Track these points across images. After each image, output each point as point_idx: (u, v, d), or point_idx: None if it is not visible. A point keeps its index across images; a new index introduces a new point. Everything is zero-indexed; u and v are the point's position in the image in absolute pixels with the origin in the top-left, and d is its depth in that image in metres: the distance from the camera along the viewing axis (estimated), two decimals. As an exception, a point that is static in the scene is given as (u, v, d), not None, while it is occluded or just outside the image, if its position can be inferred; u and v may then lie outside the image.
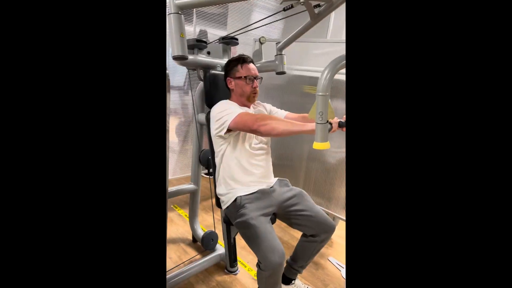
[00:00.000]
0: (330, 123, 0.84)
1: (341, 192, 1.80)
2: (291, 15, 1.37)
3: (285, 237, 1.87)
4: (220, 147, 1.15)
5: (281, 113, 1.33)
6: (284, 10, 1.09)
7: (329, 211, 1.85)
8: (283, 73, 1.44)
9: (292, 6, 1.03)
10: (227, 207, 1.15)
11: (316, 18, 1.04)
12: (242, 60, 1.17)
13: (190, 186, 1.60)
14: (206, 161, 1.43)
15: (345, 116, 1.15)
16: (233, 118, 1.04)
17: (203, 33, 2.62)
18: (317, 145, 0.73)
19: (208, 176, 2.49)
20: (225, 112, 1.07)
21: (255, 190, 1.13)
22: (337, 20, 2.78)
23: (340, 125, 1.03)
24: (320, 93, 0.69)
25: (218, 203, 1.25)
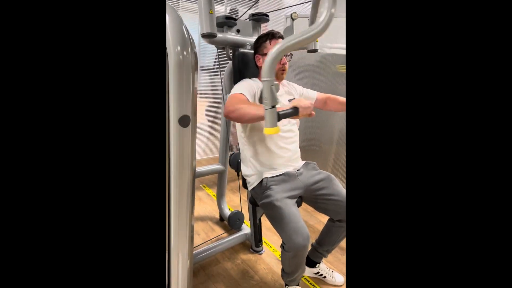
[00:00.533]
0: (296, 108, 0.84)
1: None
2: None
3: (311, 221, 1.85)
4: (245, 128, 1.14)
5: (311, 93, 1.28)
6: None
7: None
8: (315, 51, 1.36)
9: None
10: (253, 188, 1.15)
11: None
12: (271, 35, 1.12)
13: (218, 166, 1.63)
14: (236, 164, 1.46)
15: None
16: (228, 97, 1.03)
17: (233, 11, 2.56)
18: (266, 130, 0.74)
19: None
20: (232, 91, 1.06)
21: (282, 173, 1.11)
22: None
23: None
24: (264, 78, 0.69)
25: (245, 184, 1.25)
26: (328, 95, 1.29)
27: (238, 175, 1.46)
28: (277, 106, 0.74)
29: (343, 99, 1.27)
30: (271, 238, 1.64)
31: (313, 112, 0.87)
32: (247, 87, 1.07)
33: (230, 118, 0.98)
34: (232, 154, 1.51)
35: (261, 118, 0.87)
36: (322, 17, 0.61)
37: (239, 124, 1.14)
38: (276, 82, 0.71)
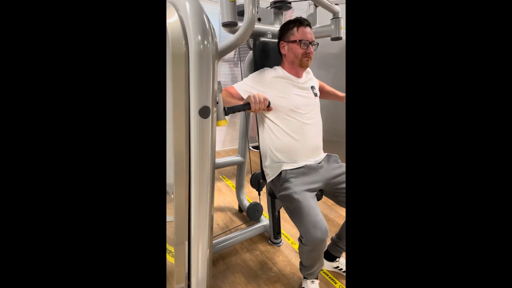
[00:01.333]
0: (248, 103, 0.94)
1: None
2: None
3: (331, 215, 1.82)
4: (264, 119, 1.12)
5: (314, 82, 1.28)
6: None
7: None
8: (339, 38, 1.31)
9: None
10: (272, 180, 1.14)
11: None
12: (299, 22, 1.08)
13: (237, 158, 1.63)
14: (258, 184, 1.47)
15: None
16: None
17: None
18: (218, 123, 0.82)
19: (256, 150, 2.52)
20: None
21: (302, 165, 1.09)
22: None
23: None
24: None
25: (263, 176, 1.25)
26: (323, 85, 1.33)
27: (259, 194, 1.51)
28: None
29: (339, 93, 1.33)
30: (290, 231, 1.63)
31: (271, 107, 0.95)
32: (249, 83, 1.10)
33: None
34: (253, 174, 1.51)
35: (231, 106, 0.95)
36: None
37: (260, 116, 1.12)
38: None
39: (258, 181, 1.47)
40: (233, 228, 1.63)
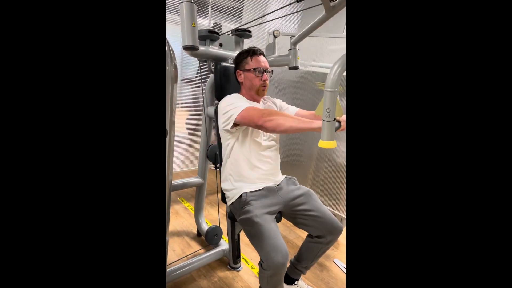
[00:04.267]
0: (338, 121, 0.78)
1: (350, 193, 1.74)
2: (307, 8, 1.32)
3: (290, 236, 1.84)
4: (228, 142, 1.12)
5: (292, 110, 1.29)
6: (297, 1, 1.04)
7: (337, 212, 1.81)
8: (296, 68, 1.40)
9: None
10: (232, 203, 1.13)
11: (331, 11, 0.99)
12: (252, 52, 1.14)
13: (196, 179, 1.59)
14: (214, 156, 1.41)
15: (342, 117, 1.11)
16: (239, 112, 1.01)
17: (217, 26, 2.59)
18: (322, 144, 0.69)
19: (216, 169, 2.49)
20: (232, 105, 1.04)
21: (262, 187, 1.10)
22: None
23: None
24: (329, 89, 0.65)
25: (224, 198, 1.23)
26: (312, 112, 1.29)
27: (216, 168, 1.41)
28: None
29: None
30: (250, 254, 1.60)
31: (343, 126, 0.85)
32: (246, 102, 1.09)
33: (265, 127, 0.95)
34: (210, 145, 1.46)
35: (298, 130, 0.90)
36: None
37: (226, 135, 1.12)
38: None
39: (214, 154, 1.41)
40: (190, 254, 1.55)
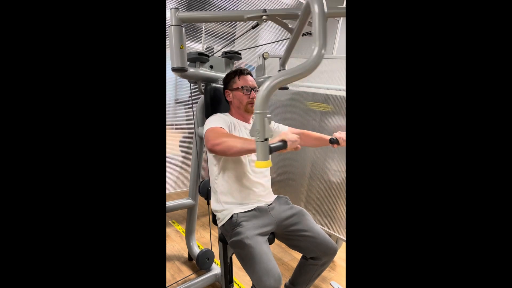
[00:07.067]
0: (283, 141, 0.82)
1: (344, 212, 1.72)
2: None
3: (285, 258, 1.78)
4: (216, 162, 1.12)
5: (283, 128, 1.30)
6: (253, 28, 1.08)
7: (332, 232, 1.77)
8: (285, 88, 1.43)
9: (258, 24, 1.01)
10: (223, 224, 1.10)
11: (291, 31, 1.02)
12: (239, 71, 1.17)
13: (187, 201, 1.56)
14: (206, 191, 1.41)
15: (336, 133, 1.13)
16: (204, 133, 1.02)
17: (209, 49, 2.66)
18: (258, 164, 0.70)
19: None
20: (206, 126, 1.05)
21: (253, 207, 1.08)
22: (343, 36, 2.79)
23: (331, 141, 1.12)
24: (257, 111, 0.67)
25: (215, 220, 1.20)
26: (302, 131, 1.29)
27: (208, 203, 1.40)
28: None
29: (316, 134, 1.28)
30: (243, 279, 1.54)
31: (299, 146, 0.85)
32: (222, 121, 1.07)
33: (215, 151, 0.95)
34: (202, 181, 1.45)
35: (249, 151, 0.87)
36: (314, 52, 0.63)
37: (212, 157, 1.12)
38: (269, 115, 0.69)
39: (206, 189, 1.39)
40: (181, 280, 1.48)
